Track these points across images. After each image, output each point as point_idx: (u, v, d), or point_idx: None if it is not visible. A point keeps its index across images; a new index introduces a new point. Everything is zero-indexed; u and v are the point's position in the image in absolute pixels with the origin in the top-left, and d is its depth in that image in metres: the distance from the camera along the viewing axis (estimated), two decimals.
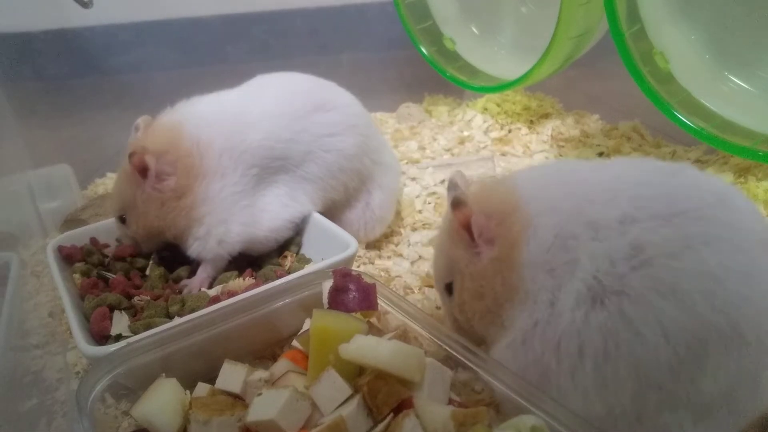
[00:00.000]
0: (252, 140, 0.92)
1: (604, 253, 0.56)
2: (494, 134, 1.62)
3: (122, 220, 0.93)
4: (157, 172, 0.88)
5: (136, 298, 0.84)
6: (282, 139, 0.94)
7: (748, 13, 1.21)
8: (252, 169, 0.92)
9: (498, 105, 1.74)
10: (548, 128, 1.60)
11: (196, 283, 0.91)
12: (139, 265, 0.96)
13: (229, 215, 0.91)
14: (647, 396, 0.53)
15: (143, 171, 0.88)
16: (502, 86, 1.57)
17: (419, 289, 0.98)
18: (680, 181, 0.61)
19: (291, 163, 0.96)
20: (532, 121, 1.67)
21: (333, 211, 1.06)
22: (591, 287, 0.56)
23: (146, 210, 0.90)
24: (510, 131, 1.63)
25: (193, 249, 0.92)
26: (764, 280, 0.52)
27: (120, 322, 0.79)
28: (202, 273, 0.92)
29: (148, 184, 0.88)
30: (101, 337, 0.77)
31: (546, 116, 1.71)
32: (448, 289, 0.71)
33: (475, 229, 0.64)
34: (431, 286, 0.97)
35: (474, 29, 1.78)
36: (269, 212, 0.94)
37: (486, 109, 1.74)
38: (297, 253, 0.99)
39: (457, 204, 0.65)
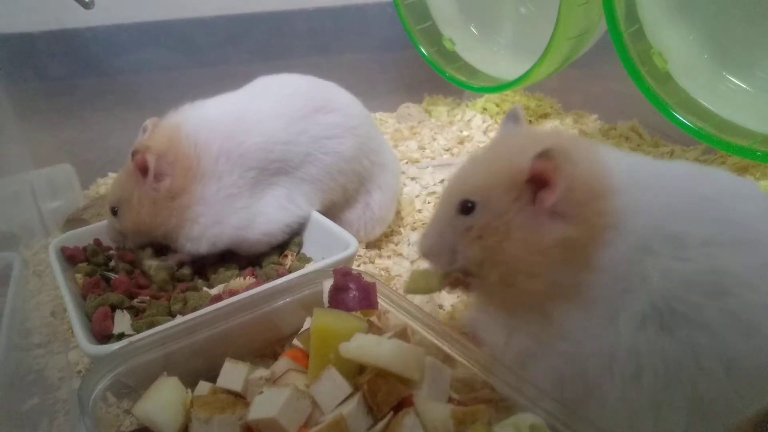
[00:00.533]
0: (250, 143, 0.92)
1: (680, 276, 0.51)
2: (493, 134, 1.62)
3: (114, 211, 0.95)
4: (155, 171, 0.89)
5: (136, 300, 0.85)
6: (280, 141, 0.94)
7: (747, 13, 1.22)
8: (249, 171, 0.92)
9: (497, 105, 1.75)
10: (547, 128, 1.61)
11: (175, 259, 0.94)
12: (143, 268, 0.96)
13: (223, 217, 0.91)
14: (700, 425, 0.51)
15: (144, 169, 0.89)
16: (501, 86, 1.57)
17: None
18: (757, 205, 0.55)
19: (290, 165, 0.96)
20: (531, 121, 1.67)
21: (332, 212, 1.06)
22: (661, 311, 0.51)
23: (139, 207, 0.91)
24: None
25: (186, 248, 0.93)
26: None
27: (122, 322, 0.80)
28: (181, 257, 0.95)
29: (147, 183, 0.90)
30: (103, 336, 0.77)
31: (545, 116, 1.71)
32: (466, 207, 0.60)
33: (554, 194, 0.54)
34: None
35: (473, 29, 1.78)
36: (265, 215, 0.95)
37: (485, 109, 1.75)
38: (298, 253, 0.99)
39: (546, 156, 0.53)
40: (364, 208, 1.08)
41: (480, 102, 1.78)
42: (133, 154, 0.88)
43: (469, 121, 1.70)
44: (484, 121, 1.67)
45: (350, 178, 1.03)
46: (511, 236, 0.56)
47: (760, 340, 0.48)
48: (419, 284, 0.67)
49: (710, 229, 0.51)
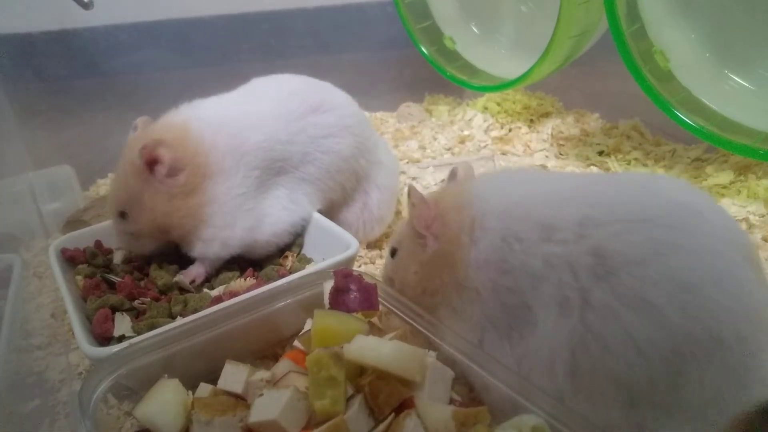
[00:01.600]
0: (253, 142, 0.92)
1: (563, 260, 0.54)
2: (495, 133, 1.62)
3: (123, 215, 0.92)
4: (169, 165, 0.87)
5: (137, 302, 0.84)
6: (281, 141, 0.94)
7: (749, 11, 1.21)
8: (254, 171, 0.92)
9: (498, 104, 1.74)
10: (548, 127, 1.60)
11: (191, 275, 0.92)
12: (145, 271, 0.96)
13: (234, 219, 0.91)
14: (631, 407, 0.52)
15: (152, 164, 0.87)
16: (502, 86, 1.57)
17: None
18: (646, 189, 0.58)
19: (290, 165, 0.96)
20: (532, 120, 1.67)
21: (331, 212, 1.06)
22: (553, 295, 0.54)
23: (153, 205, 0.89)
24: (510, 130, 1.63)
25: (197, 250, 0.92)
26: (736, 283, 0.50)
27: (122, 324, 0.79)
28: (199, 268, 0.93)
29: (158, 177, 0.88)
30: (103, 338, 0.77)
31: (546, 115, 1.71)
32: (393, 252, 0.78)
33: (421, 222, 0.69)
34: None
35: (474, 28, 1.78)
36: (271, 216, 0.95)
37: (486, 108, 1.74)
38: (298, 254, 0.99)
39: (413, 199, 0.70)
40: (363, 208, 1.08)
41: (481, 101, 1.78)
42: (142, 148, 0.86)
43: (470, 120, 1.70)
44: (485, 121, 1.67)
45: (348, 177, 1.04)
46: (412, 261, 0.73)
47: (657, 316, 0.49)
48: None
49: (585, 212, 0.55)
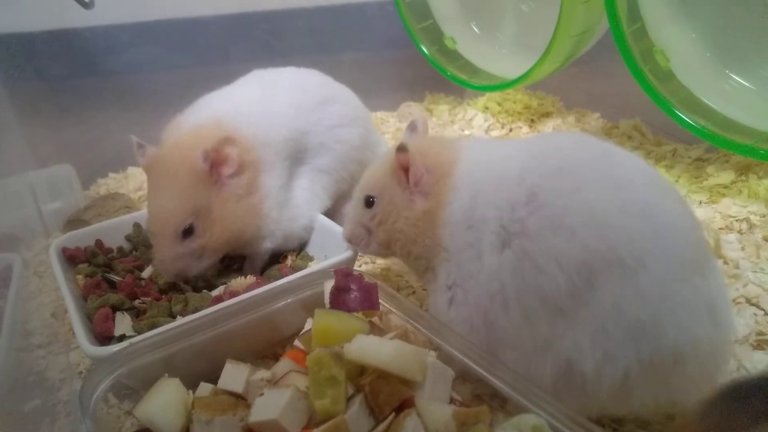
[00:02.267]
0: (283, 134, 0.93)
1: (506, 203, 0.64)
2: (495, 133, 1.62)
3: (188, 232, 0.83)
4: (238, 164, 0.84)
5: (137, 301, 0.84)
6: (304, 131, 0.96)
7: (749, 11, 1.21)
8: (286, 161, 0.93)
9: (499, 104, 1.74)
10: (549, 127, 1.60)
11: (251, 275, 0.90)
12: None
13: (281, 211, 0.92)
14: (556, 323, 0.60)
15: (217, 166, 0.83)
16: (502, 85, 1.57)
17: (423, 290, 0.99)
18: (574, 143, 0.70)
19: (308, 155, 0.98)
20: (533, 120, 1.67)
21: (334, 206, 1.07)
22: (499, 234, 0.64)
23: (224, 211, 0.84)
24: (511, 130, 1.63)
25: (264, 246, 0.92)
26: (640, 211, 0.59)
27: (123, 323, 0.80)
28: (253, 267, 0.94)
29: (224, 180, 0.84)
30: (104, 338, 0.77)
31: (547, 115, 1.71)
32: (369, 201, 0.76)
33: (412, 178, 0.71)
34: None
35: (474, 28, 1.78)
36: (301, 207, 0.96)
37: (487, 108, 1.74)
38: (299, 253, 0.99)
39: (401, 149, 0.71)
40: None
41: (482, 101, 1.78)
42: (210, 150, 0.81)
43: (470, 120, 1.70)
44: (485, 120, 1.67)
45: (356, 168, 1.05)
46: (399, 215, 0.73)
47: (575, 238, 0.59)
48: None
49: (523, 163, 0.66)
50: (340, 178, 1.03)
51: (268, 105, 0.95)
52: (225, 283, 0.89)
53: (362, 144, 1.05)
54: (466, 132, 1.63)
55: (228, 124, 0.88)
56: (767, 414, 0.41)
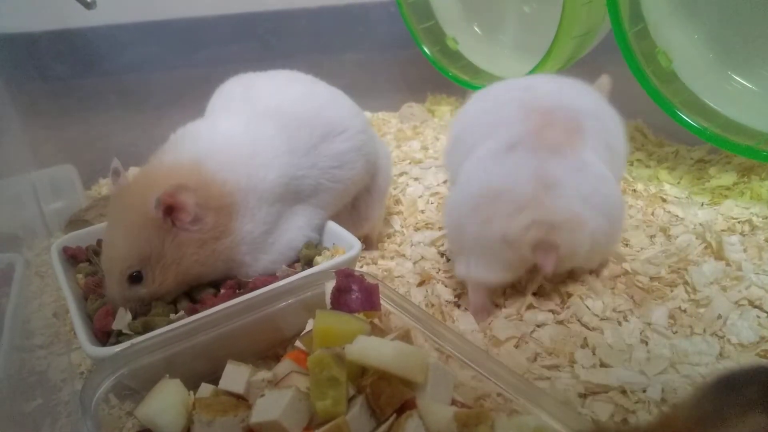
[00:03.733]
0: (271, 178, 0.88)
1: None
2: None
3: (135, 279, 0.81)
4: (195, 211, 0.80)
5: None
6: (295, 177, 0.92)
7: (753, 12, 1.21)
8: (274, 205, 0.90)
9: None
10: None
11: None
12: None
13: (261, 253, 0.90)
14: None
15: (171, 212, 0.80)
16: None
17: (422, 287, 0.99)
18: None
19: (304, 195, 0.94)
20: None
21: None
22: None
23: (180, 256, 0.81)
24: None
25: (226, 285, 0.89)
26: None
27: (123, 319, 0.79)
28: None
29: (182, 226, 0.81)
30: (103, 333, 0.77)
31: None
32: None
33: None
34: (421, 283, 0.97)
35: (477, 29, 1.78)
36: (293, 240, 0.93)
37: None
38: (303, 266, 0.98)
39: None
40: (351, 210, 1.08)
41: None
42: (161, 197, 0.77)
43: None
44: None
45: (353, 195, 1.05)
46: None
47: None
48: None
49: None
50: (336, 208, 1.01)
51: (256, 149, 0.89)
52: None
53: (363, 175, 1.02)
54: None
55: (208, 169, 0.84)
56: (760, 403, 0.41)
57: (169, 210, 0.79)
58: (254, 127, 0.91)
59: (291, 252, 0.93)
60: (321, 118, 0.95)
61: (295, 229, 0.94)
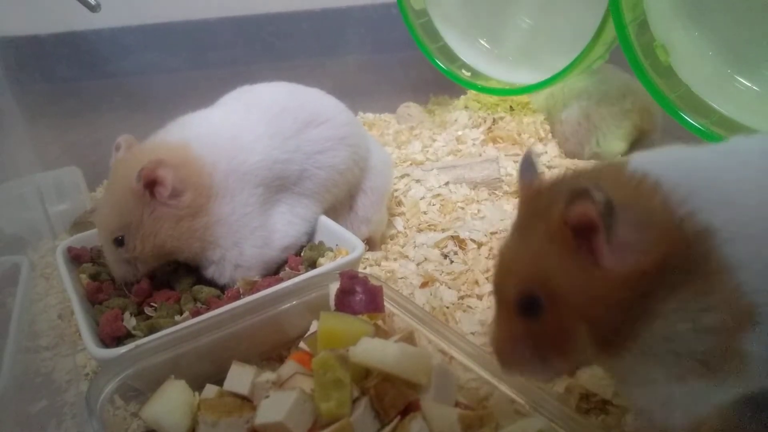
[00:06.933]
0: (252, 162, 0.91)
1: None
2: (481, 130, 1.60)
3: (119, 242, 0.87)
4: (172, 186, 0.84)
5: (147, 309, 0.85)
6: (279, 160, 0.93)
7: (754, 10, 1.21)
8: (257, 189, 0.91)
9: (477, 101, 1.75)
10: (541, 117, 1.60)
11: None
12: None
13: (242, 238, 0.90)
14: None
15: (152, 185, 0.84)
16: (513, 91, 1.57)
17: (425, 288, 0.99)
18: None
19: (288, 182, 0.96)
20: (512, 108, 1.67)
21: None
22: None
23: (157, 229, 0.86)
24: (495, 121, 1.62)
25: (210, 272, 0.91)
26: None
27: (128, 324, 0.80)
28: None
29: (161, 199, 0.85)
30: (112, 338, 0.77)
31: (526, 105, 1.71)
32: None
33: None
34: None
35: (484, 43, 1.78)
36: (278, 231, 0.94)
37: (467, 106, 1.75)
38: (306, 268, 0.99)
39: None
40: (348, 211, 1.09)
41: (462, 101, 1.79)
42: (142, 170, 0.82)
43: (455, 120, 1.69)
44: (469, 118, 1.66)
45: (342, 189, 1.05)
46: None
47: None
48: None
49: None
50: (324, 200, 1.02)
51: (241, 133, 0.92)
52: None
53: (348, 166, 1.03)
54: (459, 132, 1.61)
55: (191, 148, 0.88)
56: None
57: (150, 184, 0.84)
58: (238, 115, 0.97)
59: (278, 239, 0.94)
60: (305, 109, 1.00)
61: (279, 215, 0.95)
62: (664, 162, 0.52)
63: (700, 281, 0.47)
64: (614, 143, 1.41)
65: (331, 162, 1.00)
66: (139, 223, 0.86)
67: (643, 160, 0.52)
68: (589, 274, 0.48)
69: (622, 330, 0.49)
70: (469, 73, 1.67)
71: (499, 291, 0.55)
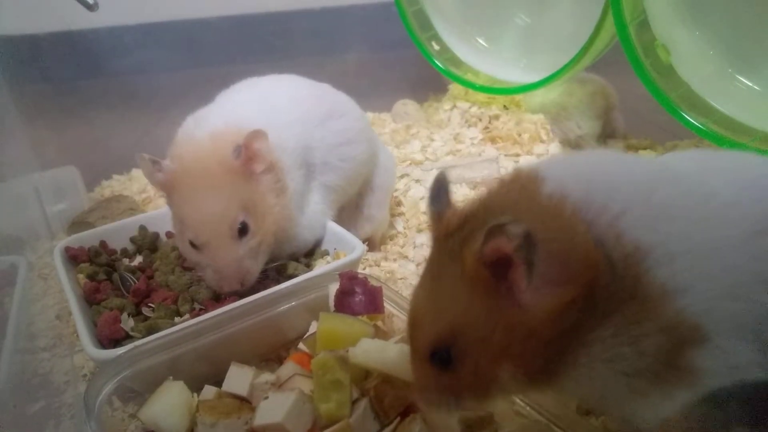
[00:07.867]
0: (292, 144, 0.90)
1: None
2: (480, 126, 1.60)
3: (243, 230, 0.80)
4: (269, 160, 0.81)
5: (145, 309, 0.85)
6: (309, 147, 0.93)
7: (755, 10, 1.21)
8: (301, 169, 0.92)
9: (466, 100, 1.75)
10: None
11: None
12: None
13: (300, 215, 0.91)
14: None
15: (248, 162, 0.81)
16: (512, 90, 1.57)
17: None
18: None
19: (316, 171, 0.96)
20: (505, 106, 1.67)
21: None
22: None
23: (268, 204, 0.81)
24: (490, 120, 1.62)
25: (287, 250, 0.90)
26: None
27: (126, 325, 0.80)
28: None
29: (259, 175, 0.81)
30: (110, 340, 0.77)
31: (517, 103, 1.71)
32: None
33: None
34: None
35: (482, 42, 1.78)
36: (316, 214, 0.95)
37: (455, 106, 1.75)
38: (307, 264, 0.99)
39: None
40: (354, 209, 1.09)
41: (450, 96, 1.78)
42: (241, 146, 0.78)
43: (449, 119, 1.68)
44: (462, 116, 1.65)
45: (360, 182, 1.05)
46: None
47: None
48: None
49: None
50: (345, 194, 1.02)
51: (277, 114, 0.91)
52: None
53: (367, 158, 1.03)
54: (456, 131, 1.60)
55: (246, 129, 0.83)
56: (741, 419, 0.41)
57: (246, 159, 0.80)
58: (270, 100, 0.94)
59: (316, 221, 0.94)
60: (325, 98, 0.99)
61: (314, 203, 0.95)
62: (584, 178, 0.47)
63: (636, 307, 0.43)
64: (590, 123, 1.54)
65: (353, 154, 0.99)
66: (254, 202, 0.81)
67: (559, 175, 0.48)
68: (510, 315, 0.45)
69: (553, 363, 0.46)
70: (457, 69, 1.67)
71: (411, 341, 0.52)
